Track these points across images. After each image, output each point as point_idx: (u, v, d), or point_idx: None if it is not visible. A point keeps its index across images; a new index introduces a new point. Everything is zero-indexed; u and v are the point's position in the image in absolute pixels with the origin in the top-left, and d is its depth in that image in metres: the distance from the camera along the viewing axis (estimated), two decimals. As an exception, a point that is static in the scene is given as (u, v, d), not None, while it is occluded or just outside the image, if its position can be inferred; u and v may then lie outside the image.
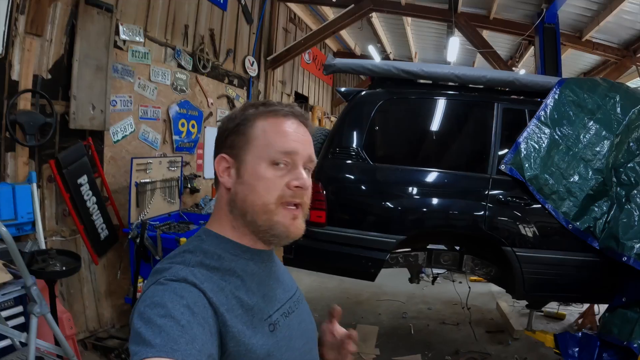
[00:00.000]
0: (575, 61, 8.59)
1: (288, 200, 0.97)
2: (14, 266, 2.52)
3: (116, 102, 4.23)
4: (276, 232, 0.97)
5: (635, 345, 2.71)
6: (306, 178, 0.99)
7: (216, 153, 1.03)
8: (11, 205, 3.09)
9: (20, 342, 2.50)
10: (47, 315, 2.45)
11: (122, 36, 4.26)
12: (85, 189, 3.77)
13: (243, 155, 0.98)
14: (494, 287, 4.15)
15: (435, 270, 4.48)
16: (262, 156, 0.96)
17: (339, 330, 1.17)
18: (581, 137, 3.31)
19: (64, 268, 2.77)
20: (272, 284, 1.02)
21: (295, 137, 0.99)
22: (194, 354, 0.73)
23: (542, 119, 3.35)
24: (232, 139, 1.00)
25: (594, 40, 6.99)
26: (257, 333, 0.90)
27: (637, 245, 2.92)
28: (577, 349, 3.15)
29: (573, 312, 5.10)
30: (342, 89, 3.96)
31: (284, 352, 0.94)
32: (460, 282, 5.97)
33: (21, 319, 2.75)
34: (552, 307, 4.94)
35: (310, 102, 10.42)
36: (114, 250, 4.20)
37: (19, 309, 2.73)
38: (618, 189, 3.22)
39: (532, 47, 6.97)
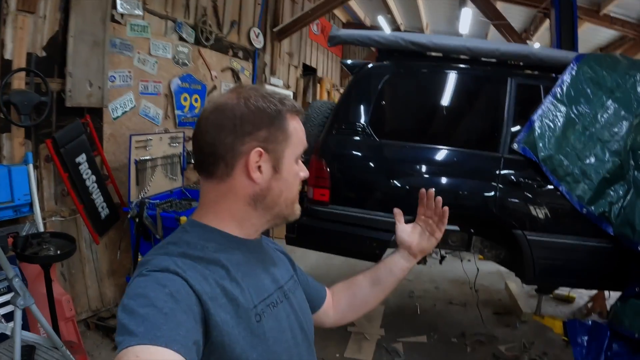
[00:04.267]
0: (591, 35, 8.23)
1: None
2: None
3: (115, 78, 4.10)
4: (292, 218, 1.06)
5: None
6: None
7: (235, 141, 0.94)
8: (7, 187, 3.00)
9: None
10: (32, 307, 2.37)
11: (120, 10, 4.09)
12: (84, 168, 3.67)
13: (281, 151, 0.99)
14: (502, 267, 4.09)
15: (443, 250, 4.39)
16: (296, 153, 1.02)
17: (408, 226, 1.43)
18: (599, 116, 3.13)
19: (58, 252, 2.70)
20: (259, 274, 1.02)
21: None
22: (178, 339, 0.72)
23: (558, 96, 3.17)
24: (268, 132, 0.97)
25: (612, 14, 6.67)
26: (241, 323, 0.89)
27: None
28: (586, 337, 3.04)
29: (583, 295, 4.99)
30: (348, 62, 3.79)
31: (271, 344, 0.93)
32: (469, 260, 5.87)
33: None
34: (562, 289, 4.84)
35: (319, 73, 10.21)
36: (115, 229, 4.13)
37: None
38: (635, 172, 3.03)
39: (548, 20, 6.69)
